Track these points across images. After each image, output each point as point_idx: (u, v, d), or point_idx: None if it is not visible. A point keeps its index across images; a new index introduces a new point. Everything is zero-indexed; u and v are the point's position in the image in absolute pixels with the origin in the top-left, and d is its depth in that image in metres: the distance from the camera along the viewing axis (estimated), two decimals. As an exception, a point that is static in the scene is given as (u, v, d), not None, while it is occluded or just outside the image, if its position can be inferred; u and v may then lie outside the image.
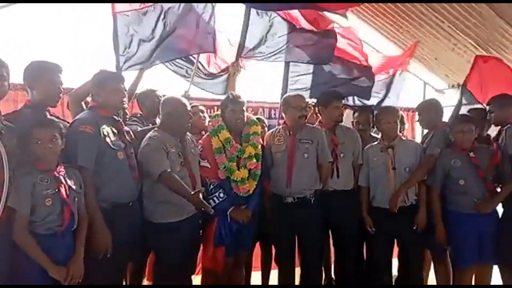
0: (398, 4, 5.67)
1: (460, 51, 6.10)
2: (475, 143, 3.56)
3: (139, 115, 3.86)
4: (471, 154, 3.49)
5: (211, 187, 3.40)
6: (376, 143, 3.87)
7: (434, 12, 5.51)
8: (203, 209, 2.97)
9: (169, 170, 2.99)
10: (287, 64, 4.70)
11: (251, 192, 3.46)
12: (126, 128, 3.12)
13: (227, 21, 4.55)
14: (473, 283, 3.62)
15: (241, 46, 4.39)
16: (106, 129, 2.87)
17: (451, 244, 3.58)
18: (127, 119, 3.60)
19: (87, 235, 2.69)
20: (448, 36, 5.81)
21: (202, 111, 4.02)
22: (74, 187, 2.63)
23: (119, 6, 3.85)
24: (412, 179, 3.64)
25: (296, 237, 3.71)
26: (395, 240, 3.82)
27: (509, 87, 4.51)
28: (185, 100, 3.32)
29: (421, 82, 6.94)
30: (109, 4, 3.84)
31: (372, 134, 4.29)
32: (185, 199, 3.00)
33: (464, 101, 4.72)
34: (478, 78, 4.74)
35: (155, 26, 3.93)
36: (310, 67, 4.78)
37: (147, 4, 3.92)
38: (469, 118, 3.68)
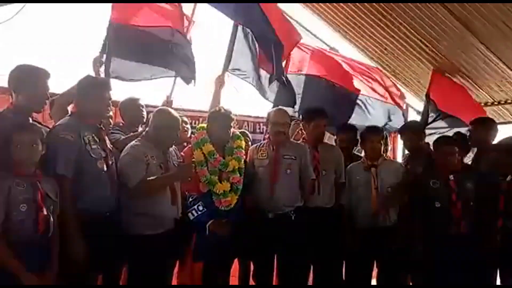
0: (383, 26, 5.76)
1: (443, 75, 6.20)
2: (461, 165, 3.56)
3: (121, 124, 3.80)
4: (451, 177, 3.49)
5: (190, 199, 3.35)
6: (360, 161, 3.88)
7: (417, 35, 5.61)
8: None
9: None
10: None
11: (232, 206, 3.42)
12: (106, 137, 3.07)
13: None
14: None
15: (227, 60, 4.38)
16: (87, 136, 2.81)
17: (426, 265, 3.55)
18: (110, 128, 3.54)
19: (62, 245, 2.61)
20: (431, 59, 5.91)
21: (186, 123, 3.98)
22: (50, 195, 2.55)
23: (119, 15, 3.84)
24: (394, 196, 3.64)
25: (276, 254, 3.67)
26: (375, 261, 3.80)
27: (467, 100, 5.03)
28: (177, 115, 3.26)
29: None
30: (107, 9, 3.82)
31: (355, 152, 4.31)
32: (164, 212, 3.07)
33: (430, 113, 5.01)
34: (440, 89, 5.09)
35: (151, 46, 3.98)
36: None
37: (149, 24, 3.99)
38: (453, 140, 3.70)
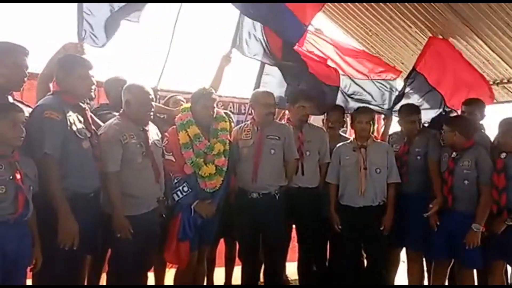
0: (368, 7, 5.75)
1: (426, 57, 6.23)
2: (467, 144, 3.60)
3: (106, 105, 3.76)
4: (453, 154, 3.60)
5: (175, 181, 3.36)
6: (348, 142, 3.92)
7: (402, 16, 5.63)
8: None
9: (115, 170, 2.97)
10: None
11: (217, 187, 3.44)
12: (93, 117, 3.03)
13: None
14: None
15: (235, 38, 4.26)
16: (72, 116, 2.77)
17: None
18: (96, 109, 3.50)
19: (53, 225, 2.61)
20: (415, 41, 5.94)
21: (184, 102, 3.90)
22: (29, 175, 2.53)
23: None
24: (437, 191, 3.69)
25: (261, 233, 3.71)
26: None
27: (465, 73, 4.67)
28: (148, 88, 3.21)
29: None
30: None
31: (340, 133, 4.35)
32: (146, 191, 3.08)
33: (411, 87, 4.66)
34: (432, 61, 4.67)
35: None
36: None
37: None
38: (452, 120, 3.82)
